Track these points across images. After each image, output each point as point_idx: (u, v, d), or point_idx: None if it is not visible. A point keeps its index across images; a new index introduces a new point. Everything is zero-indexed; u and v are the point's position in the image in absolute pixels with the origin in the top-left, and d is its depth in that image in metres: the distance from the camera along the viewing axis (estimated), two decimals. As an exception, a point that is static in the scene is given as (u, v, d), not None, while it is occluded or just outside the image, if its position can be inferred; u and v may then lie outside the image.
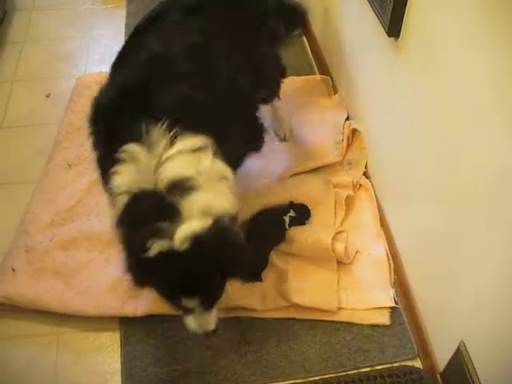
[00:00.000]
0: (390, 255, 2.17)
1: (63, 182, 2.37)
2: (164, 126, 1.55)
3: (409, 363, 1.95)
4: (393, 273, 2.13)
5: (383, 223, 2.26)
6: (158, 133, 1.55)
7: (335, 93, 2.82)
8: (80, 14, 3.50)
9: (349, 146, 2.51)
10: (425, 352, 1.92)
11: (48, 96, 2.87)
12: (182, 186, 1.53)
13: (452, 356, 1.70)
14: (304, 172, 2.39)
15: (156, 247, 1.47)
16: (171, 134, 1.55)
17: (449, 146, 1.64)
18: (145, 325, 2.00)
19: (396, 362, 1.94)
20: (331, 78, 2.90)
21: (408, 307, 2.04)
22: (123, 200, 1.59)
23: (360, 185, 2.37)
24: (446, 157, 1.67)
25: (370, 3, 2.06)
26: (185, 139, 1.57)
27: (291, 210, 2.21)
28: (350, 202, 2.31)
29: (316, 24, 3.13)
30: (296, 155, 2.48)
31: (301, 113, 2.68)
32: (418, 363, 1.95)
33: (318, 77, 2.96)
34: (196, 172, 1.56)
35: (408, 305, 2.04)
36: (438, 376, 1.82)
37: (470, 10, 1.42)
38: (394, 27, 1.91)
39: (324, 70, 2.98)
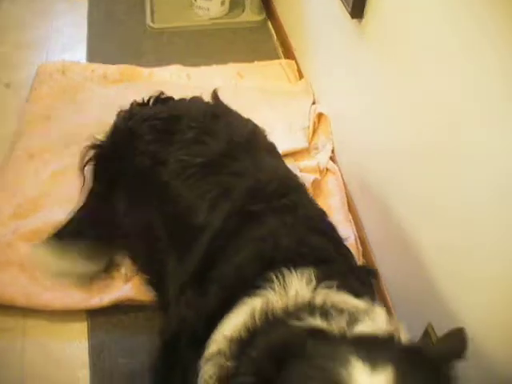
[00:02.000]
0: (358, 239, 2.16)
1: (25, 173, 2.31)
2: (305, 274, 1.20)
3: (379, 347, 1.94)
4: (361, 257, 2.13)
5: (351, 208, 2.25)
6: (296, 278, 1.19)
7: (301, 77, 2.80)
8: (42, 3, 3.42)
9: (315, 130, 2.49)
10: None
11: (8, 85, 2.80)
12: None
13: (421, 338, 1.70)
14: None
15: None
16: (317, 284, 1.18)
17: (414, 127, 1.64)
18: (112, 316, 1.96)
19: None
20: (296, 63, 2.88)
21: (377, 291, 2.04)
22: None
23: (327, 169, 2.36)
24: (411, 137, 1.67)
25: (333, -15, 2.05)
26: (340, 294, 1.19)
27: None
28: (317, 186, 2.29)
29: (280, 8, 3.12)
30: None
31: (266, 98, 2.66)
32: (388, 346, 1.94)
33: (282, 61, 2.95)
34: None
35: (377, 289, 2.04)
36: (409, 358, 1.82)
37: None
38: (357, 9, 1.92)
39: (289, 54, 2.97)
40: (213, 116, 1.71)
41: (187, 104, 1.84)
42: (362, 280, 1.38)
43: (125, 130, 1.79)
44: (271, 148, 1.77)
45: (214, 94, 1.90)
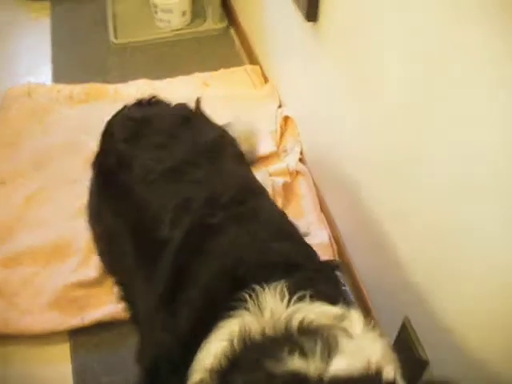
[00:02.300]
0: (332, 239, 2.18)
1: (-2, 200, 2.32)
2: (278, 288, 1.14)
3: (359, 342, 1.96)
4: (337, 255, 2.15)
5: (323, 208, 2.27)
6: (269, 295, 1.13)
7: (266, 82, 2.82)
8: (2, 25, 3.42)
9: (282, 134, 2.51)
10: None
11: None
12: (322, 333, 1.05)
13: (398, 332, 1.72)
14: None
15: None
16: (290, 296, 1.12)
17: (378, 124, 1.67)
18: (94, 334, 1.96)
19: (347, 342, 1.96)
20: (261, 68, 2.90)
21: (354, 288, 2.06)
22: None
23: (297, 171, 2.38)
24: (376, 134, 1.69)
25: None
26: (315, 304, 1.14)
27: None
28: (288, 189, 2.31)
29: (241, 15, 3.14)
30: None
31: (233, 106, 2.67)
32: (368, 342, 1.96)
33: (247, 67, 2.97)
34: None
35: (354, 285, 2.06)
36: (388, 352, 1.84)
37: None
38: (311, 11, 1.94)
39: (253, 59, 2.99)
40: (183, 121, 1.69)
41: (162, 108, 1.83)
42: (330, 278, 1.37)
43: (106, 125, 1.78)
44: (237, 155, 1.74)
45: (197, 102, 1.90)
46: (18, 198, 2.32)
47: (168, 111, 1.80)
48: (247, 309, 1.11)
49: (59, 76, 2.99)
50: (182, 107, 1.84)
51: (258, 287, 1.13)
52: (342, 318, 1.09)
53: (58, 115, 2.66)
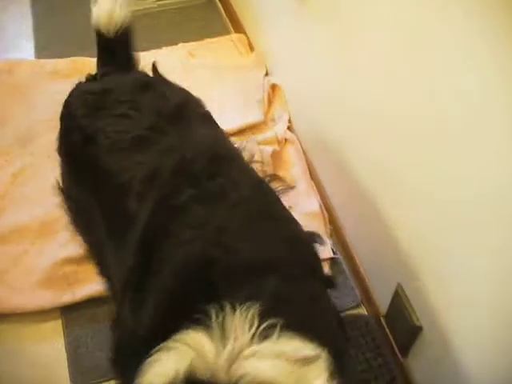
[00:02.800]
0: (323, 206, 2.17)
1: (-16, 179, 2.29)
2: (248, 313, 1.04)
3: (354, 312, 1.96)
4: (328, 224, 2.14)
5: (313, 175, 2.26)
6: (237, 319, 1.04)
7: (252, 50, 2.79)
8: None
9: (270, 102, 2.48)
10: (367, 299, 1.94)
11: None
12: None
13: (391, 299, 1.73)
14: (227, 135, 2.32)
15: None
16: (259, 325, 1.03)
17: (366, 89, 1.67)
18: (86, 310, 1.95)
19: (341, 311, 1.94)
20: (247, 36, 2.86)
21: (347, 256, 2.06)
22: None
23: (286, 140, 2.35)
24: (363, 99, 1.69)
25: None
26: (283, 338, 1.03)
27: None
28: (277, 157, 2.28)
29: (225, -18, 3.09)
30: (217, 119, 2.42)
31: (219, 75, 2.64)
32: (362, 310, 1.97)
33: (233, 36, 2.93)
34: None
35: (346, 254, 2.06)
36: (382, 319, 1.84)
37: None
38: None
39: (239, 28, 2.95)
40: (144, 88, 1.62)
41: (121, 78, 1.76)
42: (306, 287, 1.24)
43: (64, 106, 1.73)
44: (205, 117, 1.66)
45: (154, 68, 1.84)
46: (3, 176, 2.29)
47: (126, 79, 1.72)
48: (209, 328, 1.02)
49: (42, 51, 2.92)
50: (140, 74, 1.80)
51: (227, 305, 1.04)
52: (305, 362, 1.00)
53: (41, 90, 2.61)
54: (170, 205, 1.29)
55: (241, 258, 1.18)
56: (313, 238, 1.44)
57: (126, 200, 1.36)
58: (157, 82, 1.71)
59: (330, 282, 1.41)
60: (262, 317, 1.03)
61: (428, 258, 1.50)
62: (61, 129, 1.66)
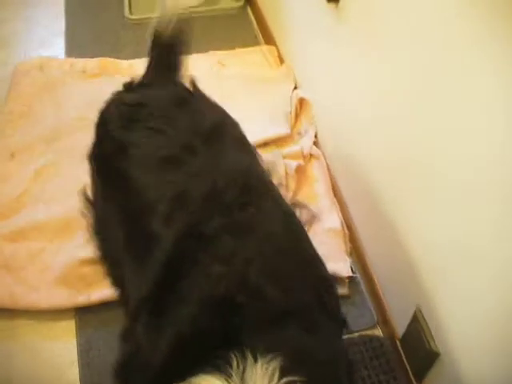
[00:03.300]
0: (344, 224, 2.15)
1: (7, 173, 2.29)
2: (270, 366, 1.01)
3: (369, 332, 1.94)
4: (348, 242, 2.12)
5: (336, 192, 2.24)
6: (258, 371, 1.01)
7: (282, 63, 2.78)
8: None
9: (297, 116, 2.47)
10: (384, 320, 1.92)
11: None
12: None
13: (409, 321, 1.70)
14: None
15: None
16: (278, 380, 1.00)
17: (395, 110, 1.64)
18: (100, 312, 1.94)
19: (356, 331, 1.93)
20: (277, 48, 2.86)
21: (365, 275, 2.04)
22: None
23: (311, 155, 2.34)
24: (392, 120, 1.67)
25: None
26: None
27: None
28: (301, 172, 2.28)
29: (259, -7, 3.09)
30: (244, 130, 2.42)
31: (248, 86, 2.64)
32: (378, 331, 1.94)
33: (263, 47, 2.93)
34: None
35: (365, 273, 2.04)
36: (398, 342, 1.82)
37: None
38: (332, -7, 1.89)
39: (270, 40, 2.95)
40: (181, 104, 1.59)
41: (159, 91, 1.74)
42: (330, 339, 1.23)
43: (99, 115, 1.71)
44: (240, 141, 1.61)
45: (192, 81, 1.82)
46: (26, 172, 2.30)
47: (164, 92, 1.69)
48: (228, 376, 0.99)
49: (72, 50, 2.95)
50: (178, 87, 1.75)
51: (249, 355, 1.02)
52: None
53: (70, 89, 2.63)
54: (199, 232, 1.27)
55: (266, 303, 1.16)
56: (335, 279, 1.43)
57: (150, 218, 1.33)
58: (194, 98, 1.68)
59: (345, 323, 1.38)
60: (283, 372, 1.01)
61: (449, 282, 1.47)
62: (94, 137, 1.64)
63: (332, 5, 1.95)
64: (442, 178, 1.41)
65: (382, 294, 1.94)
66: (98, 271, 1.99)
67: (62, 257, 2.03)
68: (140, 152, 1.46)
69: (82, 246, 2.04)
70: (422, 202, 1.55)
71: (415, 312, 1.66)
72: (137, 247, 1.37)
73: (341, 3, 1.90)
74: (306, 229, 1.48)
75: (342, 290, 1.99)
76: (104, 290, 1.94)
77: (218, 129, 1.53)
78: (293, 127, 2.43)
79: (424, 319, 1.62)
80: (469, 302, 1.40)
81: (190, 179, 1.37)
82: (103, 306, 1.95)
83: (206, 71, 2.72)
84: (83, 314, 1.95)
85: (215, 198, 1.32)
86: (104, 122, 1.62)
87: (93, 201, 1.71)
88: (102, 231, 1.67)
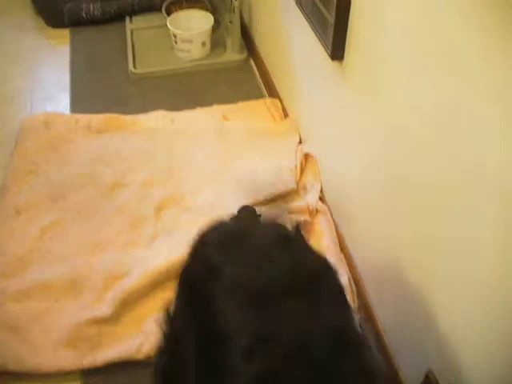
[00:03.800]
0: (352, 280, 2.14)
1: (12, 231, 2.28)
2: None
3: (378, 391, 1.91)
4: (356, 298, 2.10)
5: (343, 247, 2.23)
6: None
7: (286, 116, 2.80)
8: (21, 51, 3.42)
9: (302, 170, 2.47)
10: (394, 380, 1.89)
11: (-7, 141, 2.78)
12: None
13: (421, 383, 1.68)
14: (259, 203, 2.32)
15: None
16: None
17: (398, 166, 1.65)
18: (107, 375, 1.91)
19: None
20: (281, 101, 2.88)
21: (374, 332, 2.01)
22: None
23: (317, 209, 2.33)
24: (396, 177, 1.67)
25: (311, 27, 2.05)
26: None
27: None
28: (307, 227, 2.27)
29: (262, 46, 3.12)
30: (249, 186, 2.43)
31: (252, 140, 2.65)
32: (387, 391, 1.91)
33: (267, 100, 2.94)
34: None
35: (374, 330, 2.01)
36: (409, 403, 1.79)
37: (411, 31, 1.43)
38: (336, 51, 1.91)
39: (273, 92, 2.96)
40: (283, 243, 1.53)
41: (262, 225, 1.72)
42: None
43: (199, 235, 1.67)
44: (338, 294, 1.51)
45: (297, 226, 1.79)
46: (32, 230, 2.29)
47: (269, 228, 1.67)
48: None
49: (77, 105, 2.97)
50: (280, 226, 1.70)
51: None
52: None
53: (75, 146, 2.64)
54: (279, 378, 1.22)
55: None
56: None
57: (230, 350, 1.28)
58: (297, 241, 1.66)
59: None
60: None
61: (464, 340, 1.45)
62: (189, 256, 1.62)
63: (336, 62, 1.96)
64: (453, 224, 1.40)
65: (391, 353, 1.91)
66: (104, 332, 1.99)
67: (67, 317, 2.01)
68: (233, 281, 1.41)
69: (87, 307, 2.04)
70: (437, 252, 1.53)
71: (427, 374, 1.62)
72: (208, 374, 1.33)
73: (345, 61, 1.91)
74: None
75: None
76: (110, 352, 1.93)
77: (318, 276, 1.46)
78: (298, 182, 2.43)
79: (437, 381, 1.59)
80: (485, 366, 1.37)
81: (281, 322, 1.31)
82: (109, 368, 1.91)
83: (211, 126, 2.73)
84: (89, 377, 1.92)
85: (305, 348, 1.26)
86: (203, 244, 1.59)
87: (172, 316, 1.67)
88: (173, 348, 1.62)
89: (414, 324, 1.72)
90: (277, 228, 1.66)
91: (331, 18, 1.84)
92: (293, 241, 1.58)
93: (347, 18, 1.81)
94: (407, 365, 1.83)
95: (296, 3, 2.18)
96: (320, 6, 1.91)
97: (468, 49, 1.21)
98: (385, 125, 1.69)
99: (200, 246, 1.58)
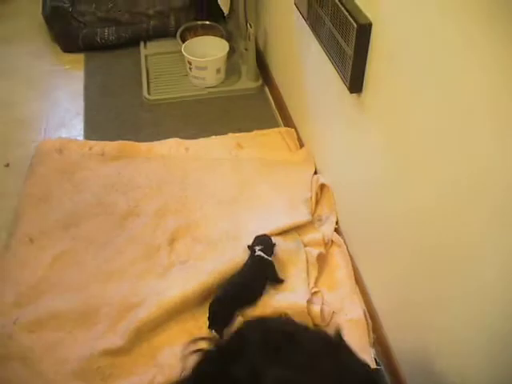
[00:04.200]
0: (367, 314, 2.11)
1: (25, 259, 2.26)
2: None
3: (394, 430, 1.88)
4: (371, 332, 2.07)
5: (358, 280, 2.20)
6: None
7: (301, 146, 2.78)
8: (37, 76, 3.42)
9: (318, 201, 2.45)
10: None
11: (7, 165, 2.76)
12: None
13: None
14: (273, 234, 2.28)
15: None
16: None
17: (416, 199, 1.63)
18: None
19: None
20: (296, 131, 2.86)
21: (390, 368, 1.98)
22: None
23: (332, 241, 2.31)
24: (414, 208, 1.65)
25: (329, 58, 2.03)
26: None
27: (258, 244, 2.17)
28: (322, 260, 2.24)
29: (278, 74, 3.11)
30: (263, 217, 2.41)
31: (267, 170, 2.63)
32: (404, 430, 1.88)
33: (282, 129, 2.93)
34: None
35: (390, 365, 1.98)
36: None
37: (433, 67, 1.41)
38: (355, 84, 1.89)
39: (288, 121, 2.95)
40: (330, 350, 1.51)
41: (306, 328, 1.67)
42: None
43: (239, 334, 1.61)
44: None
45: (338, 331, 1.76)
46: (44, 258, 2.27)
47: (316, 334, 1.64)
48: None
49: (91, 130, 2.97)
50: (323, 332, 1.71)
51: None
52: None
53: (88, 173, 2.63)
54: None
55: None
56: None
57: None
58: (344, 348, 1.62)
59: None
60: None
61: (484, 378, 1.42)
62: (228, 343, 1.57)
63: (354, 95, 1.95)
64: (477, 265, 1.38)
65: (407, 389, 1.88)
66: (116, 364, 1.96)
67: (79, 348, 1.98)
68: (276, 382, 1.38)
69: (100, 338, 2.01)
70: (453, 290, 1.51)
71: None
72: None
73: (363, 93, 1.90)
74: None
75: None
76: (126, 381, 1.90)
77: None
78: (313, 213, 2.41)
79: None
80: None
81: None
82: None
83: (225, 155, 2.72)
84: (102, 409, 1.89)
85: None
86: (243, 342, 1.54)
87: None
88: None
89: (430, 360, 1.69)
90: (325, 335, 1.63)
91: (350, 51, 1.82)
92: (340, 350, 1.55)
93: (366, 51, 1.80)
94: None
95: (313, 33, 2.17)
96: (338, 37, 1.89)
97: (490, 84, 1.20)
98: (405, 158, 1.68)
99: (239, 345, 1.52)
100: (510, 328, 1.27)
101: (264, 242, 2.18)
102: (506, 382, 1.34)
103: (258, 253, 2.12)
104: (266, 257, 2.12)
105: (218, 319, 2.02)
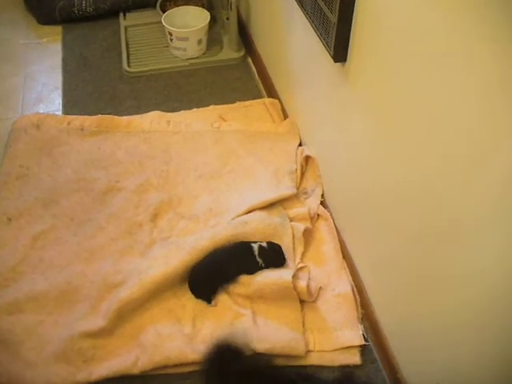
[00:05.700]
0: (355, 289, 2.07)
1: (4, 239, 2.20)
2: None
3: (383, 405, 1.86)
4: (360, 307, 2.04)
5: (345, 255, 2.16)
6: None
7: (285, 117, 2.72)
8: (13, 50, 3.33)
9: (303, 174, 2.40)
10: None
11: (-17, 142, 2.69)
12: None
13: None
14: (258, 208, 2.23)
15: None
16: None
17: (402, 168, 1.60)
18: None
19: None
20: (280, 101, 2.80)
21: (378, 344, 1.95)
22: None
23: (318, 215, 2.26)
24: (401, 181, 1.62)
25: (313, 26, 1.97)
26: None
27: (263, 242, 2.08)
28: (309, 234, 2.20)
29: (260, 44, 3.05)
30: (247, 191, 2.35)
31: (250, 142, 2.57)
32: (393, 404, 1.86)
33: (266, 100, 2.86)
34: None
35: (378, 341, 1.95)
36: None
37: (419, 32, 1.36)
38: (339, 53, 1.85)
39: (272, 92, 2.89)
40: None
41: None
42: None
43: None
44: None
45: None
46: (23, 238, 2.21)
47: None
48: None
49: (70, 105, 2.90)
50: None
51: None
52: None
53: (67, 149, 2.56)
54: None
55: None
56: None
57: None
58: None
59: None
60: None
61: (474, 355, 1.39)
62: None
63: (338, 64, 1.89)
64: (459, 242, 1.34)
65: (397, 364, 1.85)
66: (98, 345, 1.92)
67: (60, 330, 1.94)
68: None
69: (82, 318, 1.96)
70: (441, 264, 1.47)
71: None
72: None
73: (348, 63, 1.84)
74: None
75: (355, 360, 1.91)
76: (105, 366, 1.87)
77: None
78: (298, 186, 2.36)
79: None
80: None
81: None
82: (104, 383, 1.84)
83: (207, 127, 2.66)
84: (83, 392, 1.84)
85: None
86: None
87: None
88: None
89: (420, 335, 1.67)
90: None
91: (334, 18, 1.77)
92: None
93: (351, 19, 1.75)
94: (414, 377, 1.77)
95: (296, 0, 2.10)
96: (322, 4, 1.83)
97: (481, 49, 1.15)
98: (389, 127, 1.64)
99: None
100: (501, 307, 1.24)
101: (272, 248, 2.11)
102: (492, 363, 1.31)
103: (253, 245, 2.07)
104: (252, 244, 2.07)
105: (198, 289, 2.04)
